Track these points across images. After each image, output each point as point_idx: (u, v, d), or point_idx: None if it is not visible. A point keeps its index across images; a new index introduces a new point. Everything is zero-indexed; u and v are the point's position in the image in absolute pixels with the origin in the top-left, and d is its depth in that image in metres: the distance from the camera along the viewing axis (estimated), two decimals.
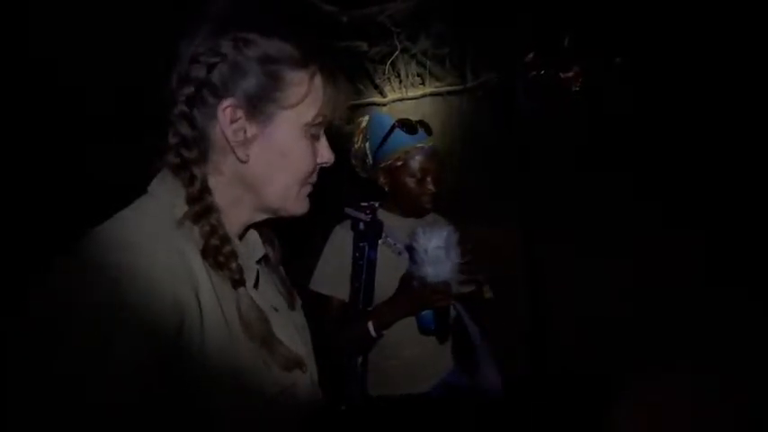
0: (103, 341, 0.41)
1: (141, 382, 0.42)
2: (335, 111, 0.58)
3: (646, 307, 1.93)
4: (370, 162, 1.17)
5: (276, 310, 0.61)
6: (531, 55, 2.24)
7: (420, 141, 1.14)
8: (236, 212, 0.57)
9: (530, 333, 2.19)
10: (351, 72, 2.46)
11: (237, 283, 0.53)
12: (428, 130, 1.18)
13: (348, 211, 1.13)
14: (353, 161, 1.20)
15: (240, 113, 0.52)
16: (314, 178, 0.60)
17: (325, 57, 0.57)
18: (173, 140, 0.52)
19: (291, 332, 0.61)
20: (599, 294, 2.04)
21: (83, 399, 0.40)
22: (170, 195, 0.52)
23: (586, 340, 1.99)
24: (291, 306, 0.66)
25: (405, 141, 1.13)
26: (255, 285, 0.59)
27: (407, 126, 1.14)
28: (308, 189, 0.60)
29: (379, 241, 1.13)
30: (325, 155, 0.59)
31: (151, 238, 0.48)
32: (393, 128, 1.13)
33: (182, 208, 0.51)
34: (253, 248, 0.61)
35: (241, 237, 0.60)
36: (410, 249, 1.07)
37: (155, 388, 0.43)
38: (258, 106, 0.52)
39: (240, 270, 0.53)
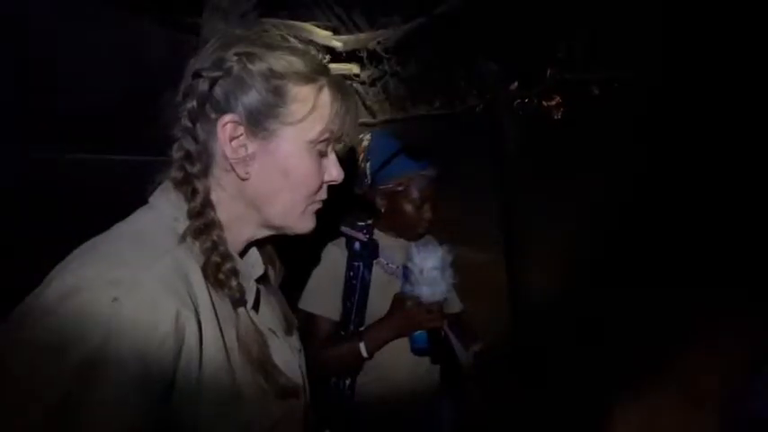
0: (98, 363, 0.39)
1: (136, 400, 0.40)
2: (343, 127, 0.56)
3: (629, 322, 1.97)
4: (369, 182, 1.17)
5: (274, 332, 0.59)
6: (515, 84, 2.35)
7: (423, 169, 1.14)
8: (238, 228, 0.55)
9: (513, 352, 2.20)
10: None
11: (238, 302, 0.52)
12: (431, 157, 1.18)
13: (344, 230, 1.13)
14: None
15: (241, 130, 0.51)
16: (322, 195, 0.58)
17: (332, 72, 0.56)
18: (177, 154, 0.51)
19: (288, 357, 0.60)
20: (583, 314, 2.08)
21: (75, 421, 0.38)
22: (172, 209, 0.51)
23: (571, 358, 2.01)
24: (288, 330, 0.63)
25: (408, 167, 1.12)
26: (255, 306, 0.57)
27: (411, 151, 1.13)
28: (316, 207, 0.58)
29: (374, 261, 1.13)
30: (334, 172, 0.57)
31: (152, 254, 0.46)
32: (397, 152, 1.13)
33: (183, 222, 0.50)
34: (252, 267, 0.59)
35: (243, 253, 0.58)
36: (405, 269, 1.07)
37: (148, 410, 0.41)
38: (260, 122, 0.51)
39: (241, 289, 0.52)
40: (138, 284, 0.42)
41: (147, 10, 1.78)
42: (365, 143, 1.18)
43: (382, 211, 1.17)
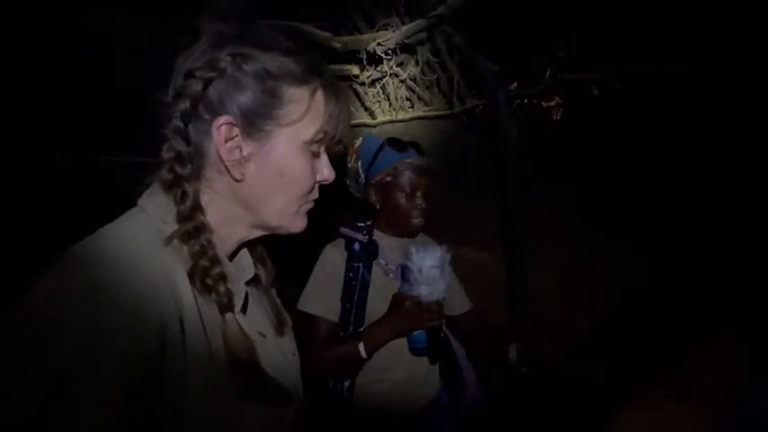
0: (83, 368, 0.39)
1: (119, 409, 0.40)
2: (337, 128, 0.56)
3: (628, 324, 1.97)
4: (363, 180, 1.19)
5: (264, 336, 0.58)
6: (514, 84, 2.35)
7: (408, 157, 1.17)
8: (230, 230, 0.55)
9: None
10: None
11: (225, 308, 0.51)
12: (418, 149, 1.21)
13: (343, 230, 1.13)
14: (347, 180, 1.22)
15: (236, 131, 0.50)
16: (314, 195, 0.58)
17: (326, 73, 0.55)
18: (167, 155, 0.50)
19: (278, 361, 0.59)
20: (583, 314, 2.08)
21: (59, 423, 0.38)
22: (161, 211, 0.50)
23: (571, 357, 2.01)
24: (280, 332, 0.63)
25: (393, 157, 1.16)
26: (244, 309, 0.56)
27: (396, 143, 1.18)
28: (309, 206, 0.58)
29: (373, 262, 1.13)
30: (325, 172, 0.57)
31: (138, 257, 0.45)
32: (383, 145, 1.17)
33: (172, 225, 0.49)
34: (243, 269, 0.58)
35: (232, 256, 0.58)
36: (403, 269, 1.07)
37: (131, 414, 0.41)
38: (255, 124, 0.51)
39: (229, 294, 0.51)
40: (122, 289, 0.42)
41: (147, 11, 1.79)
42: (357, 144, 1.21)
43: (378, 207, 1.19)
